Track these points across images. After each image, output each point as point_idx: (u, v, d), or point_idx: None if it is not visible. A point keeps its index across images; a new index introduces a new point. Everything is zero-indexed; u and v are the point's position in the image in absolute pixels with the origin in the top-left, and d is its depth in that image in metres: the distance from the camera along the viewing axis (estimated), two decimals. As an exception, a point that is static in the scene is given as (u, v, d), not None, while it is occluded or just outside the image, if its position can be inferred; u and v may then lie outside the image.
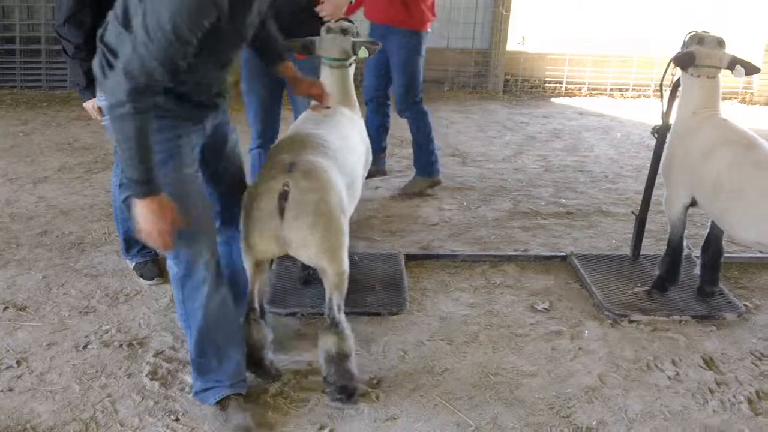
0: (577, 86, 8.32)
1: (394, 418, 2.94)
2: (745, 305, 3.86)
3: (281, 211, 2.76)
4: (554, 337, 3.57)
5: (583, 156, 6.42)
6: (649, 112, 7.82)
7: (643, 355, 3.43)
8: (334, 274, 2.92)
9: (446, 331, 3.58)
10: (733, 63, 3.58)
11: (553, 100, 8.30)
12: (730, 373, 3.30)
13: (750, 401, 3.10)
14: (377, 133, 5.37)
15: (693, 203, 3.68)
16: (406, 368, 3.26)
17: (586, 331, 3.63)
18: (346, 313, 3.67)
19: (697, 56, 3.58)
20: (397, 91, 5.21)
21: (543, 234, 4.76)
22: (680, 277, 3.89)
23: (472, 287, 4.03)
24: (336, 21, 3.63)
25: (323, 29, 3.52)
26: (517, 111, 7.75)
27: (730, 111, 8.09)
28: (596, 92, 8.34)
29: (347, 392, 2.99)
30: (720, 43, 3.59)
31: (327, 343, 2.96)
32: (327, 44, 3.45)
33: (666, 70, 3.83)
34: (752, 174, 3.28)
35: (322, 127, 3.24)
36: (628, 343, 3.53)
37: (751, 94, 8.34)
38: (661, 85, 3.89)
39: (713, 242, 3.79)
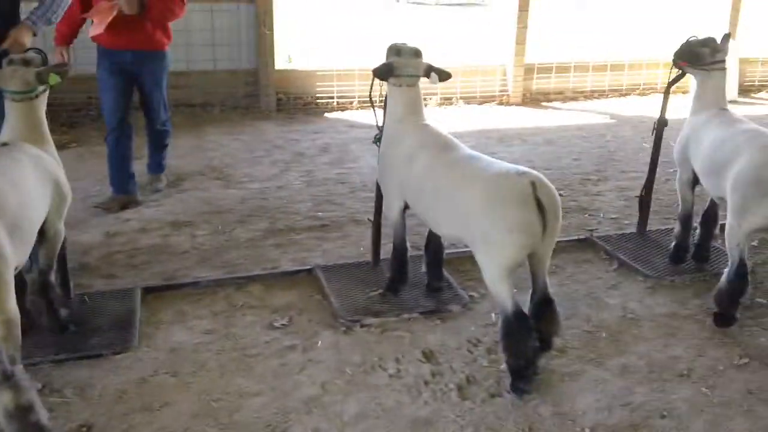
0: (348, 100, 8.52)
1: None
2: (471, 296, 4.09)
3: None
4: (287, 352, 3.58)
5: (348, 168, 6.56)
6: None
7: (370, 357, 3.52)
8: (2, 323, 2.74)
9: (173, 363, 3.47)
10: (428, 71, 3.79)
11: (326, 115, 8.43)
12: (446, 363, 3.46)
13: (460, 388, 3.27)
14: (122, 160, 5.42)
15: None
16: (122, 409, 3.12)
17: (320, 342, 3.67)
18: (63, 360, 3.48)
19: (396, 67, 3.76)
20: (157, 107, 5.63)
21: (295, 249, 4.79)
22: (409, 277, 4.06)
23: (212, 313, 3.96)
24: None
25: (5, 61, 3.33)
26: (289, 128, 7.79)
27: (490, 112, 8.91)
28: (367, 104, 8.53)
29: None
30: (416, 53, 3.79)
31: (2, 399, 2.71)
32: (7, 76, 3.26)
33: (372, 83, 3.99)
34: (444, 174, 3.48)
35: None
36: (358, 347, 3.61)
37: (508, 95, 8.95)
38: (370, 97, 4.05)
39: (433, 241, 3.99)
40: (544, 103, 9.07)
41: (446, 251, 4.39)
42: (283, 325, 3.84)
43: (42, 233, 3.37)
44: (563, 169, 6.47)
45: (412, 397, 3.22)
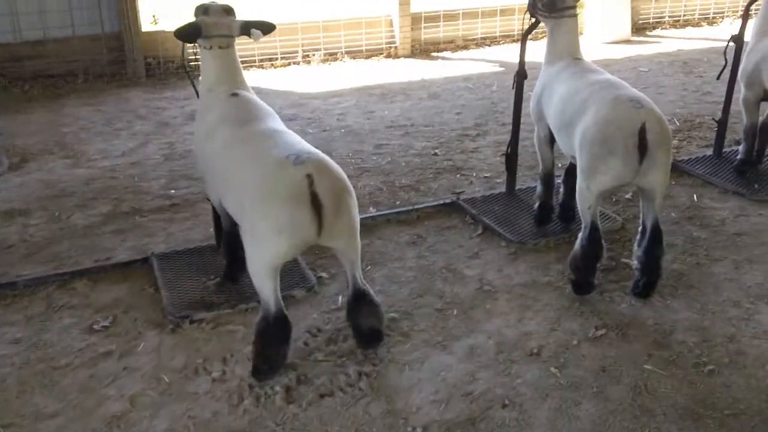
0: (225, 61, 7.95)
1: None
2: (319, 277, 3.75)
3: None
4: (100, 360, 3.17)
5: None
6: (294, 80, 7.74)
7: (194, 359, 3.15)
8: None
9: (-35, 383, 3.04)
10: (245, 28, 3.37)
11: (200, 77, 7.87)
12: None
13: (288, 389, 2.92)
14: None
15: None
16: None
17: (142, 344, 3.27)
18: None
19: (204, 27, 3.31)
20: None
21: (136, 235, 4.33)
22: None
23: (25, 318, 3.50)
24: None
25: None
26: (159, 96, 7.20)
27: (376, 67, 8.47)
28: (245, 64, 8.02)
29: None
30: (227, 10, 3.36)
31: None
32: None
33: (183, 48, 3.55)
34: (233, 152, 3.08)
35: None
36: (183, 348, 3.23)
37: (395, 48, 8.52)
38: (183, 64, 3.62)
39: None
40: (434, 54, 8.67)
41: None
42: (104, 327, 3.42)
43: None
44: (443, 125, 6.13)
45: (231, 405, 2.86)
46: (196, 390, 2.96)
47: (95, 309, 3.57)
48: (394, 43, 8.52)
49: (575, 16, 3.73)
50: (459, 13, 8.79)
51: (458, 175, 5.05)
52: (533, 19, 3.91)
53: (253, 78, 7.80)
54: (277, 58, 8.18)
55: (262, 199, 2.74)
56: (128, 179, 5.20)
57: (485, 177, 5.01)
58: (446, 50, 8.76)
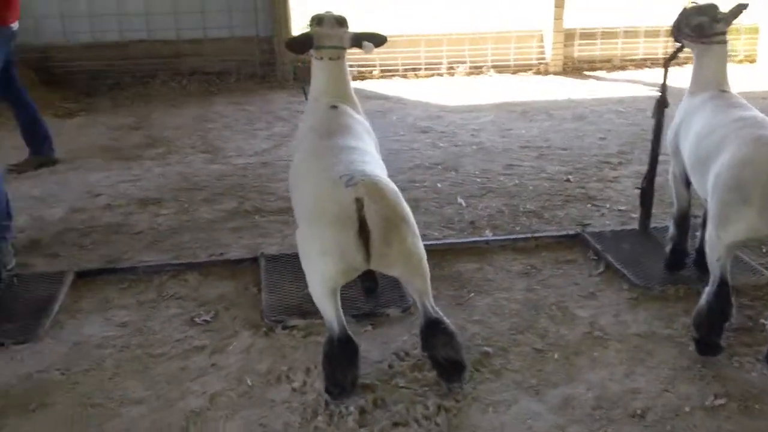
0: (369, 69, 8.01)
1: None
2: (420, 297, 3.62)
3: None
4: (193, 354, 3.22)
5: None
6: (434, 92, 7.65)
7: (280, 366, 3.11)
8: None
9: (70, 359, 3.18)
10: (356, 40, 3.32)
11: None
12: (361, 379, 3.01)
13: (362, 412, 2.80)
14: (32, 122, 5.51)
15: None
16: (-1, 406, 2.86)
17: (234, 343, 3.30)
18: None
19: (315, 38, 3.30)
20: None
21: (252, 234, 4.41)
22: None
23: (137, 303, 3.64)
24: None
25: None
26: (300, 99, 7.33)
27: (521, 83, 8.15)
28: (389, 74, 8.06)
29: None
30: (340, 21, 3.34)
31: None
32: None
33: (297, 58, 3.58)
34: (302, 165, 3.06)
35: None
36: (271, 353, 3.21)
37: (546, 64, 8.21)
38: (294, 74, 3.64)
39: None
40: (586, 73, 8.28)
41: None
42: (204, 321, 3.48)
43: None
44: (583, 149, 5.80)
45: (304, 419, 2.78)
46: (275, 398, 2.91)
47: (200, 302, 3.64)
48: (544, 59, 8.23)
49: (725, 42, 3.34)
50: (619, 31, 8.35)
51: (589, 205, 4.72)
52: (678, 44, 3.57)
53: (394, 87, 7.82)
54: (421, 69, 8.14)
55: (311, 218, 2.70)
56: (257, 178, 5.33)
57: (619, 210, 4.65)
58: (601, 69, 8.34)
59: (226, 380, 3.03)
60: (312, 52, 3.33)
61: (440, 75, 8.16)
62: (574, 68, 8.33)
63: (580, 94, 7.50)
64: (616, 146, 5.90)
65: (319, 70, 3.35)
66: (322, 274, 2.67)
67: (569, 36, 8.21)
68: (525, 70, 8.21)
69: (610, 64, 8.39)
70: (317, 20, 3.33)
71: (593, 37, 8.33)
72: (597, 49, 8.36)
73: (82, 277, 3.86)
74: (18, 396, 2.94)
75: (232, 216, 4.68)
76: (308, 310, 3.47)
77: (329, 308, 2.75)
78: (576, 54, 8.33)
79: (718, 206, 2.84)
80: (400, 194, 2.76)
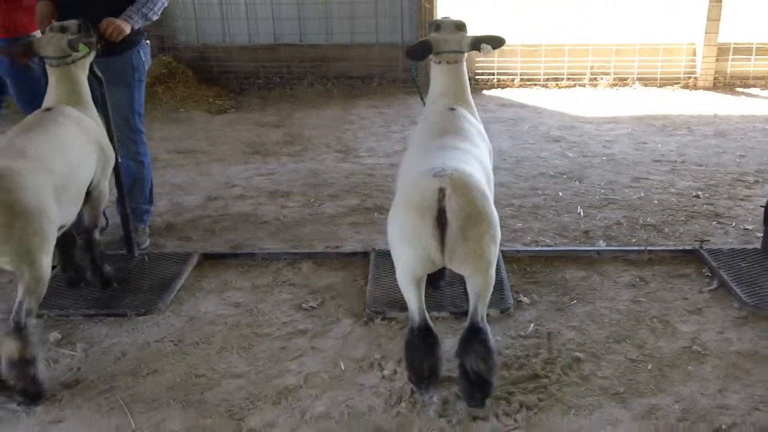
0: (510, 77, 8.01)
1: (58, 422, 2.88)
2: (519, 300, 3.64)
3: None
4: (295, 336, 3.44)
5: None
6: (574, 102, 7.52)
7: (374, 353, 3.26)
8: (31, 278, 2.89)
9: (184, 332, 3.49)
10: (475, 43, 3.40)
11: (484, 92, 8.03)
12: (446, 373, 3.04)
13: (445, 402, 2.89)
14: None
15: None
16: (114, 370, 3.19)
17: (335, 329, 3.49)
18: (92, 315, 3.65)
19: (434, 43, 3.41)
20: None
21: (369, 230, 4.60)
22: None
23: (253, 286, 3.93)
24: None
25: (47, 29, 3.53)
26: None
27: (667, 96, 7.81)
28: (529, 83, 8.01)
29: (29, 396, 2.94)
30: (458, 26, 3.44)
31: (9, 348, 2.88)
32: (44, 43, 3.44)
33: (415, 65, 3.71)
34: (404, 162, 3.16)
35: (32, 131, 3.23)
36: (368, 341, 3.36)
37: (695, 78, 7.83)
38: (413, 78, 3.77)
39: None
40: (739, 89, 7.82)
41: (517, 248, 4.13)
42: (311, 307, 3.70)
43: (87, 193, 3.55)
44: (719, 166, 5.52)
45: (388, 404, 2.91)
46: (364, 382, 3.06)
47: (310, 290, 3.87)
48: (694, 73, 7.87)
49: None
50: (777, 46, 7.84)
51: (714, 223, 4.51)
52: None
53: (533, 96, 7.78)
54: (563, 79, 8.03)
55: (396, 204, 2.76)
56: (382, 178, 5.53)
57: (745, 229, 4.40)
58: (755, 86, 7.84)
59: (322, 362, 3.22)
60: (431, 56, 3.44)
61: (582, 86, 8.03)
62: (725, 84, 7.90)
63: (727, 110, 7.11)
64: (756, 164, 5.56)
65: (438, 73, 3.45)
66: (404, 261, 2.74)
67: (723, 50, 7.81)
68: (672, 84, 7.89)
69: (764, 81, 7.87)
70: (435, 26, 3.44)
71: (748, 53, 7.85)
72: (751, 65, 7.89)
73: (207, 259, 4.21)
74: (132, 362, 3.26)
75: (352, 212, 4.90)
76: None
77: (412, 297, 2.83)
78: (729, 69, 7.89)
79: None
80: (487, 195, 2.78)
